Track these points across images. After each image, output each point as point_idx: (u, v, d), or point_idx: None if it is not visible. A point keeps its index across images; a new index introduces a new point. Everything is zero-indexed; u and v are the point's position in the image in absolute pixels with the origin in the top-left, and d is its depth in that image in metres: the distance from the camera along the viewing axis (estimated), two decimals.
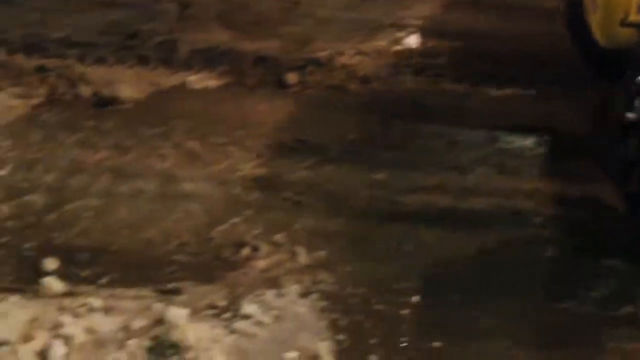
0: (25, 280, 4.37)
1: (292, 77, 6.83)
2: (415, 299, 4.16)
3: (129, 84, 6.78)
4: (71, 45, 7.47)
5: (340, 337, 3.92)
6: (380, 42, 7.53)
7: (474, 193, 5.15)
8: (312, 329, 3.98)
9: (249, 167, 5.48)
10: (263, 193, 5.18)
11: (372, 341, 3.88)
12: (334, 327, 3.99)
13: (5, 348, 3.75)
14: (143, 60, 7.25)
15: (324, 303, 4.16)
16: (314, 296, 4.21)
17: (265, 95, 6.66)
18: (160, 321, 3.97)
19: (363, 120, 6.15)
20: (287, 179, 5.32)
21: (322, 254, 4.58)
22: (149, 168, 5.54)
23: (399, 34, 7.77)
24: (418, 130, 5.92)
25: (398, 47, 7.49)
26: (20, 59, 7.21)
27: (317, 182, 5.28)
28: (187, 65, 7.20)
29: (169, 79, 7.00)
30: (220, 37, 7.71)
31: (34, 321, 3.93)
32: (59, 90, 6.77)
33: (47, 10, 8.88)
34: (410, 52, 7.42)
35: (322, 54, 7.17)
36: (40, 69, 7.01)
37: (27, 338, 3.84)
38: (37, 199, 5.20)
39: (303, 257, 4.54)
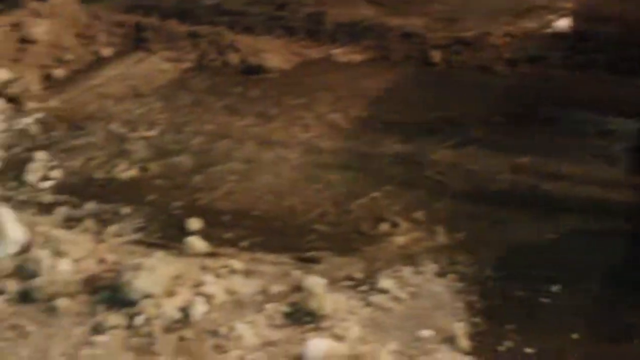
0: (170, 238, 4.52)
1: (437, 55, 6.75)
2: (555, 287, 4.05)
3: (275, 54, 6.87)
4: (222, 13, 7.63)
5: (476, 319, 3.86)
6: (530, 24, 7.31)
7: (623, 185, 4.95)
8: (448, 309, 3.95)
9: (391, 142, 5.45)
10: (404, 169, 5.15)
11: (508, 327, 3.80)
12: (471, 309, 3.94)
13: (149, 301, 3.90)
14: (290, 31, 7.33)
15: (460, 284, 4.11)
16: (451, 276, 4.16)
17: (409, 72, 6.61)
18: (298, 288, 4.04)
19: (508, 102, 6.00)
20: (429, 157, 5.26)
21: (461, 235, 4.52)
22: (292, 137, 5.61)
23: (550, 17, 7.52)
24: (566, 117, 5.73)
25: (548, 30, 7.26)
26: (173, 24, 7.42)
27: (459, 162, 5.20)
28: (333, 38, 7.22)
29: (314, 51, 7.05)
30: (366, 12, 7.68)
31: (177, 278, 4.06)
32: (208, 56, 6.94)
33: None
34: (561, 35, 7.17)
35: (469, 34, 7.03)
36: (192, 35, 7.20)
37: (170, 293, 3.98)
38: (184, 160, 5.36)
39: (442, 237, 4.50)
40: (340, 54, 6.98)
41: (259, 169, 5.23)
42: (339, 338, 3.72)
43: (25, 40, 6.93)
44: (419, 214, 4.68)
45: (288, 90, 6.31)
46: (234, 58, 6.85)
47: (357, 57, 6.93)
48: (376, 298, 4.01)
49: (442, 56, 6.76)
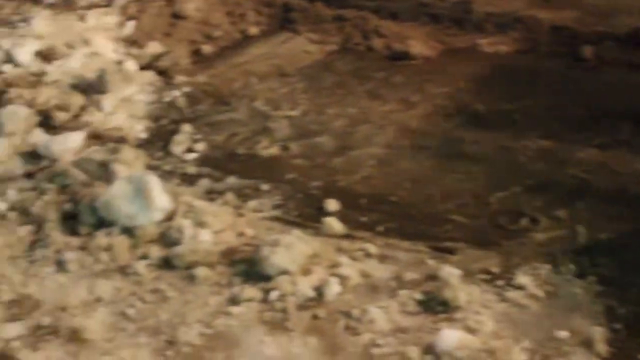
0: (308, 217, 4.58)
1: (588, 51, 6.51)
2: None
3: (420, 41, 6.80)
4: None
5: (617, 325, 3.74)
6: None
7: None
8: (586, 311, 3.83)
9: (534, 137, 5.32)
10: (547, 165, 5.01)
11: None
12: (610, 314, 3.81)
13: (285, 277, 3.96)
14: (436, 19, 7.23)
15: (601, 287, 3.98)
16: (591, 278, 4.04)
17: (558, 67, 6.41)
18: (432, 277, 4.01)
19: None
20: (574, 154, 5.10)
21: (603, 236, 4.37)
22: (433, 125, 5.55)
23: None
24: None
25: None
26: (320, 7, 7.46)
27: (605, 163, 5.02)
28: (480, 27, 7.08)
29: (459, 40, 6.94)
30: (516, 3, 7.48)
31: (313, 257, 4.10)
32: (353, 40, 6.94)
33: None
34: None
35: (624, 30, 6.76)
36: (338, 18, 7.22)
37: (305, 271, 4.03)
38: (325, 141, 5.40)
39: (583, 237, 4.36)
40: (486, 44, 6.84)
41: (398, 155, 5.21)
42: (471, 331, 3.68)
43: (177, 16, 7.13)
44: (561, 212, 4.55)
45: (431, 78, 6.25)
46: (378, 43, 6.84)
47: (504, 48, 6.77)
48: (512, 294, 3.93)
49: (593, 52, 6.53)
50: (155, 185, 4.35)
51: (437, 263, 4.13)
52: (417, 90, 6.04)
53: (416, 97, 5.95)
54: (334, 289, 3.91)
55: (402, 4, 7.50)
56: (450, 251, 4.27)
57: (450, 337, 3.60)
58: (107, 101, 5.78)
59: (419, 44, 6.74)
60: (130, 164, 4.87)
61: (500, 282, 4.01)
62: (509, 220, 4.52)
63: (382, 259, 4.20)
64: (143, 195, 4.30)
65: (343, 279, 3.98)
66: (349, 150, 5.28)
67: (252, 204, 4.70)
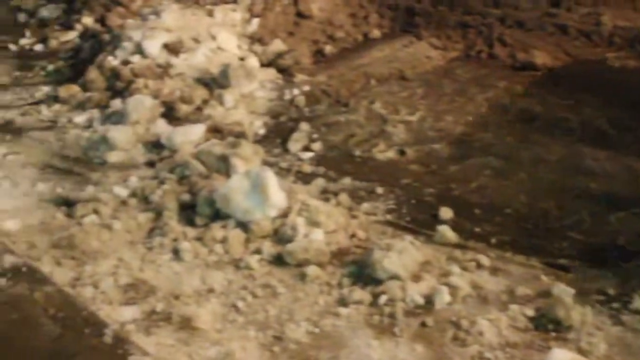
0: (421, 224, 4.54)
1: None
2: None
3: (545, 52, 6.68)
4: (494, 5, 7.52)
5: None
6: None
7: None
8: None
9: None
10: None
11: None
12: None
13: (395, 282, 3.94)
14: (563, 30, 7.09)
15: None
16: None
17: None
18: (545, 294, 3.92)
19: None
20: None
21: None
22: (553, 138, 5.43)
23: None
24: None
25: None
26: (444, 12, 7.43)
27: None
28: (609, 41, 6.91)
29: (587, 52, 6.79)
30: None
31: (425, 264, 4.07)
32: (476, 47, 6.88)
33: None
34: None
35: None
36: (462, 25, 7.17)
37: (416, 278, 4.00)
38: (442, 148, 5.36)
39: None
40: (615, 58, 6.66)
41: (515, 166, 5.12)
42: (583, 352, 3.57)
43: (301, 15, 7.22)
44: None
45: (554, 90, 6.12)
46: (501, 51, 6.75)
47: (632, 63, 6.58)
48: (627, 318, 3.80)
49: None
50: (271, 181, 4.40)
51: (550, 280, 4.03)
52: (539, 102, 5.93)
53: (538, 108, 5.85)
54: (443, 298, 3.87)
55: (529, 13, 7.39)
56: (565, 269, 4.16)
57: (561, 357, 3.50)
58: (229, 96, 5.90)
59: (544, 55, 6.63)
60: (248, 159, 4.94)
61: (615, 305, 3.88)
62: (628, 241, 4.37)
63: (494, 271, 4.13)
64: (260, 191, 4.36)
65: (453, 289, 3.93)
66: (465, 158, 5.23)
67: (366, 206, 4.71)
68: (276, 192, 4.42)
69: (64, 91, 6.19)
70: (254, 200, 4.37)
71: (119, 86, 6.08)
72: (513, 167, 5.13)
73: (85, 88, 6.22)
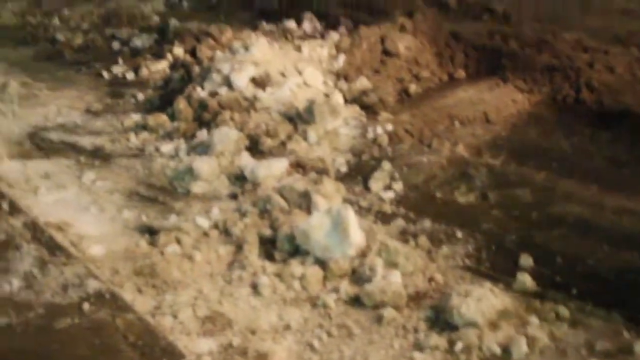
0: (500, 270, 4.49)
1: None
2: None
3: (634, 98, 6.54)
4: (583, 49, 7.42)
5: None
6: None
7: None
8: None
9: None
10: None
11: None
12: None
13: (472, 329, 3.90)
14: None
15: None
16: None
17: None
18: (627, 351, 3.83)
19: None
20: None
21: None
22: (639, 188, 5.32)
23: None
24: None
25: None
26: (531, 55, 7.36)
27: None
28: None
29: None
30: None
31: (503, 312, 4.03)
32: (562, 92, 6.80)
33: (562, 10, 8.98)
34: None
35: None
36: (549, 68, 7.09)
37: (493, 326, 3.96)
38: (524, 194, 5.29)
39: None
40: None
41: (600, 215, 5.03)
42: None
43: (387, 53, 7.26)
44: None
45: None
46: (588, 97, 6.65)
47: None
48: None
49: None
50: (352, 220, 4.43)
51: (632, 336, 3.94)
52: (627, 150, 5.82)
53: (625, 156, 5.74)
54: (521, 348, 3.82)
55: (620, 57, 7.26)
56: None
57: None
58: (313, 132, 5.96)
59: (635, 101, 6.49)
60: (329, 197, 4.99)
61: None
62: None
63: (574, 323, 4.05)
64: (340, 229, 4.39)
65: (531, 340, 3.87)
66: (548, 205, 5.16)
67: (445, 250, 4.68)
68: (356, 232, 4.44)
69: (152, 120, 6.35)
70: (333, 239, 4.40)
71: (205, 117, 6.20)
72: (596, 215, 5.04)
73: (173, 118, 6.37)
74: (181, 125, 6.24)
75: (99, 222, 5.02)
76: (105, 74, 7.63)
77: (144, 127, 6.36)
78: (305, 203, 4.95)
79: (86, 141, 6.26)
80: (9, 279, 4.19)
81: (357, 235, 4.44)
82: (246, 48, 6.79)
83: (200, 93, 6.45)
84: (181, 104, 6.38)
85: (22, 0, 10.21)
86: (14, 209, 4.91)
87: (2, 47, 8.57)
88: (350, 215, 4.44)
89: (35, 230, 4.65)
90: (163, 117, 6.38)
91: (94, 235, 4.84)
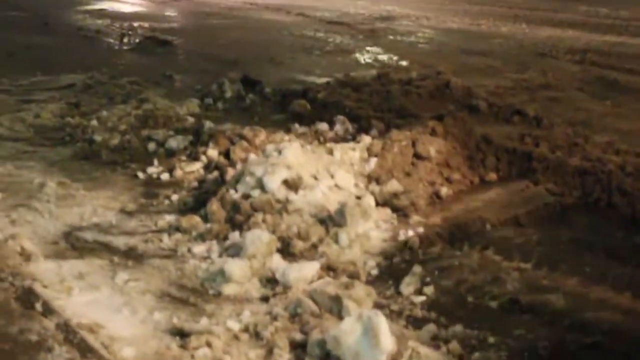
0: None
1: None
2: None
3: None
4: (615, 151, 7.47)
5: None
6: None
7: None
8: None
9: None
10: None
11: None
12: None
13: None
14: None
15: None
16: None
17: None
18: None
19: None
20: None
21: None
22: None
23: None
24: None
25: None
26: (562, 158, 7.43)
27: None
28: None
29: None
30: None
31: None
32: (594, 195, 6.81)
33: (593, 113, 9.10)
34: None
35: None
36: (580, 171, 7.13)
37: None
38: (556, 299, 5.25)
39: None
40: None
41: (635, 321, 4.97)
42: None
43: (418, 157, 7.34)
44: None
45: None
46: (620, 201, 6.66)
47: None
48: None
49: None
50: (383, 326, 4.42)
51: None
52: None
53: None
54: None
55: None
56: None
57: None
58: (344, 234, 6.00)
59: None
60: (360, 301, 4.99)
61: None
62: None
63: None
64: (371, 335, 4.38)
65: None
66: (581, 311, 5.11)
67: (477, 356, 4.64)
68: (387, 338, 4.42)
69: (185, 221, 6.43)
70: (364, 345, 4.39)
71: (238, 220, 6.28)
72: (633, 321, 4.98)
73: (206, 219, 6.45)
74: (214, 227, 6.31)
75: (130, 323, 5.04)
76: (140, 175, 7.76)
77: (177, 228, 6.43)
78: (336, 307, 4.96)
79: (120, 241, 6.33)
80: None
81: (388, 341, 4.42)
82: (279, 151, 6.90)
83: (234, 195, 6.55)
84: (214, 205, 6.47)
85: (61, 102, 10.51)
86: (47, 309, 4.95)
87: (41, 146, 8.77)
88: (382, 322, 4.43)
89: (68, 332, 4.68)
90: (196, 219, 6.46)
91: (126, 337, 4.85)
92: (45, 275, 5.55)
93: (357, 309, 4.85)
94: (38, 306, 4.98)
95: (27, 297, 5.08)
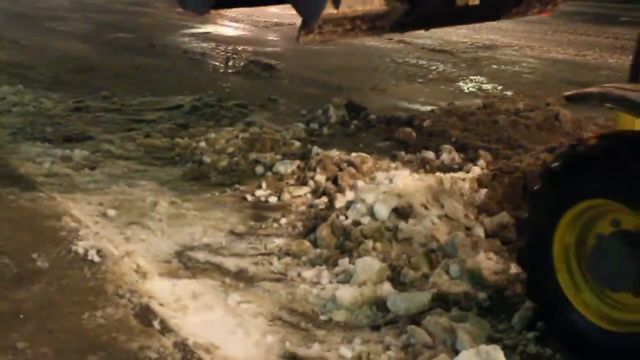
0: None
1: None
2: None
3: None
4: None
5: None
6: None
7: None
8: None
9: None
10: None
11: None
12: None
13: None
14: None
15: None
16: None
17: None
18: None
19: None
20: None
21: None
22: None
23: None
24: None
25: None
26: None
27: None
28: None
29: None
30: None
31: None
32: None
33: None
34: None
35: None
36: None
37: None
38: None
39: None
40: None
41: None
42: None
43: (528, 189, 7.23)
44: None
45: None
46: None
47: None
48: None
49: None
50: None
51: None
52: None
53: None
54: None
55: None
56: None
57: None
58: (455, 265, 5.95)
59: None
60: (474, 334, 4.94)
61: None
62: None
63: None
64: None
65: None
66: None
67: None
68: None
69: (295, 246, 6.49)
70: None
71: (348, 246, 6.30)
72: None
73: (315, 244, 6.50)
74: (324, 253, 6.35)
75: (244, 345, 5.12)
76: (248, 197, 7.87)
77: (287, 252, 6.50)
78: (450, 339, 4.92)
79: (230, 263, 6.43)
80: None
81: None
82: (390, 179, 6.91)
83: (344, 221, 6.58)
84: (324, 231, 6.52)
85: (169, 122, 10.77)
86: (165, 328, 5.06)
87: (151, 166, 9.00)
88: (500, 356, 4.38)
89: (185, 351, 4.77)
90: (306, 244, 6.52)
91: (240, 359, 4.92)
92: (160, 294, 5.68)
93: (471, 342, 4.80)
94: (156, 324, 5.09)
95: (145, 315, 5.21)
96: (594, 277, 4.72)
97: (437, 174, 7.57)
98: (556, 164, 4.81)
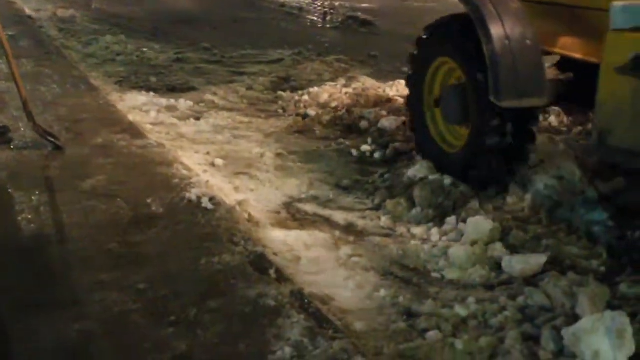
0: None
1: None
2: None
3: None
4: None
5: None
6: None
7: None
8: None
9: None
10: None
11: None
12: None
13: None
14: None
15: None
16: None
17: None
18: None
19: None
20: None
21: None
22: None
23: None
24: None
25: None
26: None
27: None
28: None
29: None
30: None
31: None
32: None
33: None
34: None
35: None
36: None
37: None
38: None
39: None
40: None
41: None
42: None
43: None
44: None
45: None
46: None
47: None
48: None
49: None
50: (629, 327, 4.26)
51: None
52: None
53: None
54: None
55: None
56: None
57: None
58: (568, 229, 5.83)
59: None
60: (594, 299, 4.83)
61: None
62: None
63: None
64: (615, 337, 4.23)
65: None
66: None
67: None
68: (631, 340, 4.26)
69: (403, 202, 6.45)
70: (606, 344, 4.24)
71: (447, 205, 6.25)
72: None
73: (414, 203, 6.44)
74: (429, 211, 6.29)
75: (358, 298, 5.12)
76: (354, 152, 7.86)
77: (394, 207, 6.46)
78: (569, 303, 4.83)
79: (339, 216, 6.44)
80: (281, 346, 4.33)
81: (632, 343, 4.26)
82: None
83: (445, 180, 6.52)
84: (425, 190, 6.45)
85: (271, 76, 10.81)
86: (281, 277, 5.10)
87: (256, 118, 9.07)
88: (627, 323, 4.28)
89: (302, 301, 4.80)
90: (412, 201, 6.47)
91: (355, 311, 4.94)
92: (274, 243, 5.73)
93: (591, 307, 4.70)
94: (272, 272, 5.13)
95: (261, 263, 5.25)
96: (442, 115, 6.84)
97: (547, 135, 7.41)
98: (424, 35, 6.94)
